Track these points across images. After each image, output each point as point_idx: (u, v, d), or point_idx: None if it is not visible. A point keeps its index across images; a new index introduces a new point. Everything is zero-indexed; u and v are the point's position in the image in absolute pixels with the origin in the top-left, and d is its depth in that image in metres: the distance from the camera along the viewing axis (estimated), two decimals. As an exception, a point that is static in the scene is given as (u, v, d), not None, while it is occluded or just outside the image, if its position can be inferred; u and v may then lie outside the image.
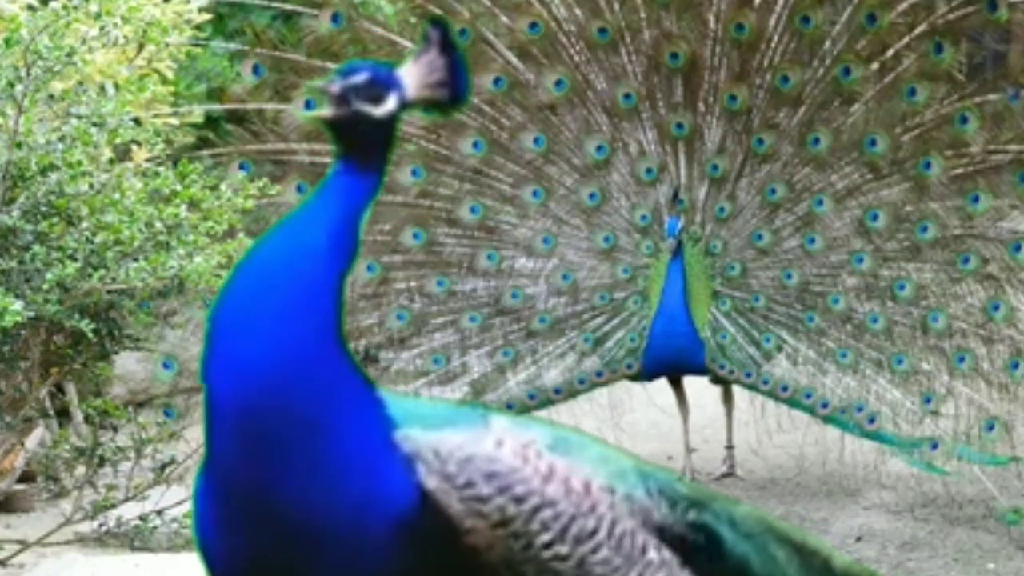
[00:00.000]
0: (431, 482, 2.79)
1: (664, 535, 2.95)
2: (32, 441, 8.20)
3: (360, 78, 2.87)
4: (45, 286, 6.82)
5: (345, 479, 2.76)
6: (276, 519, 2.77)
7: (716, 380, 9.72)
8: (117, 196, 7.12)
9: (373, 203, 2.92)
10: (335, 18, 9.46)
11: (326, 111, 2.86)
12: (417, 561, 2.78)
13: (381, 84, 2.87)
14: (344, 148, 2.87)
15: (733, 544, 3.04)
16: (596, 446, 3.02)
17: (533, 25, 9.60)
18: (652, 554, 2.92)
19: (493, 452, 2.84)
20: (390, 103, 2.87)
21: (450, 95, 2.91)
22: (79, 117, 7.17)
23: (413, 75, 2.90)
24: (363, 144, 2.87)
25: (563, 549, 2.85)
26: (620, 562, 2.88)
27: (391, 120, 2.88)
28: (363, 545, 2.77)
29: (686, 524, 2.99)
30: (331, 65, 9.32)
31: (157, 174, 7.34)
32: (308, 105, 9.28)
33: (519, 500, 2.83)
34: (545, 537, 2.84)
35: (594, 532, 2.88)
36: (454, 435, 2.84)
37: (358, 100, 2.85)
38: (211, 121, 10.45)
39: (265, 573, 2.82)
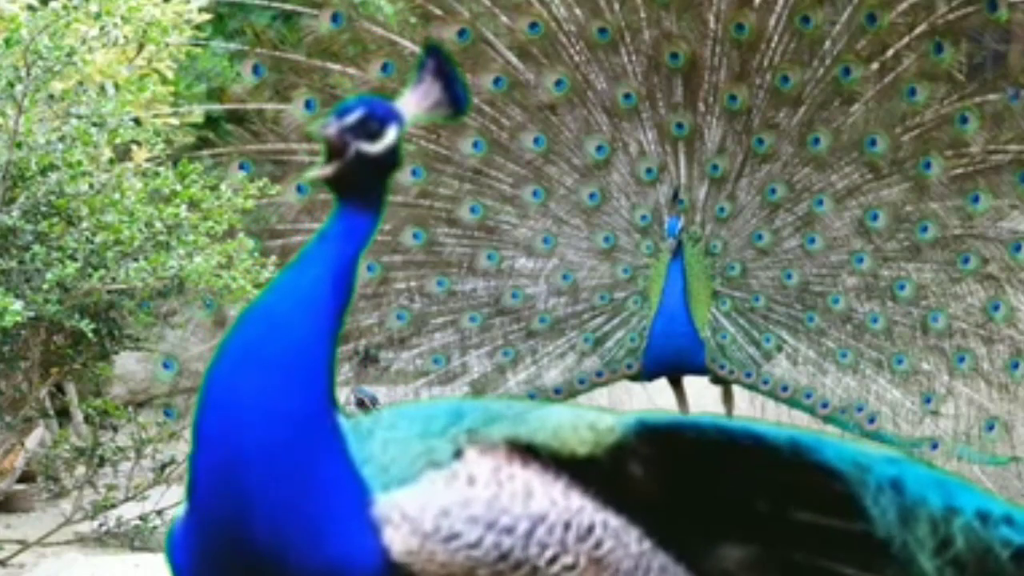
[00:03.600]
0: (398, 545, 2.77)
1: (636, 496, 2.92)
2: (32, 441, 8.20)
3: (355, 116, 2.83)
4: (45, 286, 6.82)
5: (316, 546, 2.77)
6: (252, 573, 2.79)
7: (716, 380, 9.71)
8: (117, 196, 7.12)
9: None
10: (335, 18, 9.46)
11: (327, 169, 2.81)
12: None
13: (378, 119, 2.84)
14: (344, 188, 2.84)
15: (728, 424, 2.99)
16: (564, 413, 2.97)
17: (533, 25, 9.60)
18: (646, 544, 2.90)
19: (467, 494, 2.80)
20: (389, 136, 2.84)
21: (449, 113, 2.91)
22: (79, 117, 7.16)
23: (411, 103, 2.88)
24: (362, 182, 2.84)
25: (568, 559, 2.83)
26: (622, 553, 2.84)
27: (391, 153, 2.85)
28: None
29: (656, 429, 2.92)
30: (331, 65, 9.34)
31: (157, 174, 7.34)
32: (308, 106, 9.29)
33: (509, 530, 2.79)
34: (548, 554, 2.81)
35: (591, 528, 2.84)
36: (421, 487, 2.81)
37: (355, 139, 2.82)
38: (211, 121, 10.44)
39: None
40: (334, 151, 2.81)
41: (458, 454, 2.85)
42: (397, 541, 2.77)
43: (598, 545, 2.83)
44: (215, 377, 2.80)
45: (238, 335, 2.83)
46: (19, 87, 6.93)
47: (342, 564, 2.76)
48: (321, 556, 2.76)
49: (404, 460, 2.85)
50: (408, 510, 2.79)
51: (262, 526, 2.76)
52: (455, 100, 2.90)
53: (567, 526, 2.82)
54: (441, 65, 2.89)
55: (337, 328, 2.82)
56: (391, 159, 2.85)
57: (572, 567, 2.82)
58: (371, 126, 2.83)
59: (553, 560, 2.81)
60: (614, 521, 2.86)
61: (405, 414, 2.96)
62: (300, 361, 2.78)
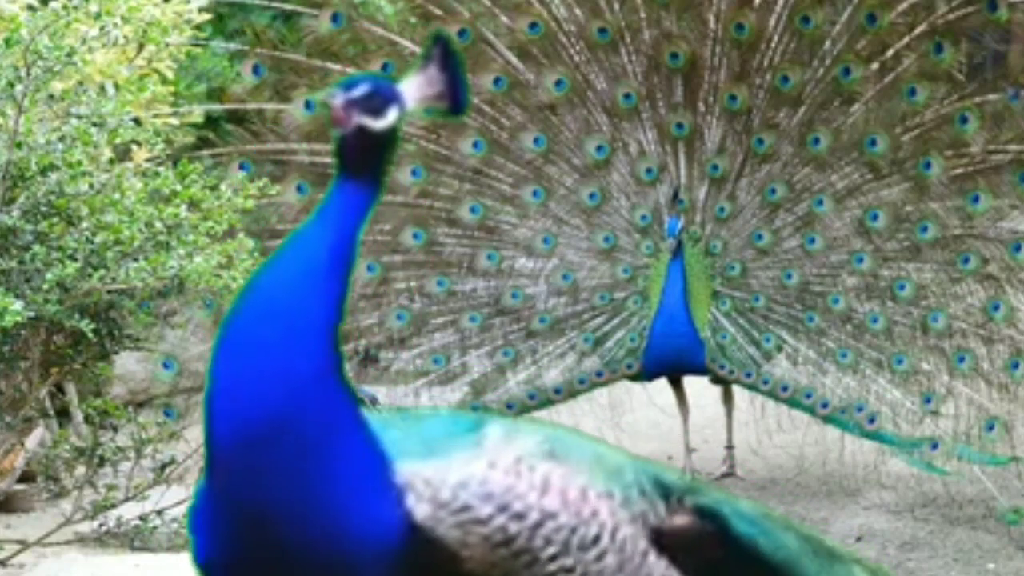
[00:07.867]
0: (421, 512, 2.82)
1: (662, 540, 2.96)
2: (32, 441, 8.19)
3: (361, 91, 2.89)
4: (45, 286, 6.82)
5: (338, 512, 2.80)
6: (273, 545, 2.81)
7: (716, 380, 9.72)
8: (117, 196, 7.11)
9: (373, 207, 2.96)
10: (335, 18, 9.47)
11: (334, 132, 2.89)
12: None
13: (382, 97, 2.91)
14: (344, 161, 2.90)
15: (740, 525, 3.05)
16: (590, 444, 3.04)
17: (533, 25, 9.61)
18: (652, 558, 2.93)
19: (486, 473, 2.86)
20: (390, 116, 2.90)
21: (449, 107, 2.96)
22: (79, 117, 7.16)
23: (413, 88, 2.94)
24: (362, 157, 2.90)
25: (568, 560, 2.87)
26: (625, 566, 2.89)
27: (391, 132, 2.91)
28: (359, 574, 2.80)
29: (690, 510, 2.99)
30: (331, 65, 9.33)
31: (157, 174, 7.34)
32: (308, 106, 9.29)
33: (519, 517, 2.85)
34: (550, 551, 2.86)
35: (597, 538, 2.89)
36: (445, 461, 2.86)
37: (359, 113, 2.88)
38: (211, 121, 10.44)
39: None
40: (336, 122, 2.89)
41: (481, 442, 2.91)
42: (422, 509, 2.81)
43: (600, 557, 2.88)
44: (221, 353, 2.84)
45: (241, 309, 2.86)
46: (19, 87, 6.92)
47: (365, 529, 2.79)
48: (343, 527, 2.79)
49: (427, 440, 2.91)
50: (431, 478, 2.83)
51: (280, 496, 2.78)
52: (456, 96, 2.95)
53: (574, 529, 2.88)
54: (448, 56, 2.94)
55: (338, 300, 2.85)
56: (390, 138, 2.91)
57: (570, 569, 2.87)
58: (375, 102, 2.90)
59: (553, 558, 2.86)
60: (623, 530, 2.91)
61: (419, 423, 3.01)
62: (304, 330, 2.81)
